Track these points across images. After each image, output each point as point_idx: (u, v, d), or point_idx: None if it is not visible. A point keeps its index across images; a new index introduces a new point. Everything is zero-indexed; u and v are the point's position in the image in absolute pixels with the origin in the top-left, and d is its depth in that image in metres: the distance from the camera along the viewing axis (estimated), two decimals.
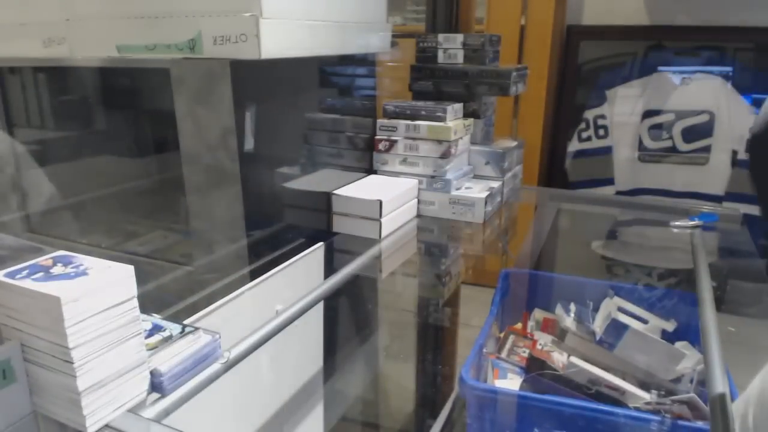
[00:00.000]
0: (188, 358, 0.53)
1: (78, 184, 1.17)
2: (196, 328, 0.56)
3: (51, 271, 0.47)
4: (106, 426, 0.48)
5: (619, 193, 2.28)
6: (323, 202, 1.01)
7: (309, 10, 0.81)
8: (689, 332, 1.04)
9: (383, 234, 0.97)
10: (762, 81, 2.08)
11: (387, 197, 0.97)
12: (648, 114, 2.21)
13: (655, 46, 2.20)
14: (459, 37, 1.12)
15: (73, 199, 1.19)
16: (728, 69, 2.10)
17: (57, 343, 0.44)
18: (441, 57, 1.14)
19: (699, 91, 2.12)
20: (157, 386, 0.51)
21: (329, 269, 0.90)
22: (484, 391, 0.87)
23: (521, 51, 2.28)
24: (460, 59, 1.13)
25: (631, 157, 2.25)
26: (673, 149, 2.19)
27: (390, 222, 0.99)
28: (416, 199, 1.08)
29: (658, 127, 2.20)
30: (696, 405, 0.83)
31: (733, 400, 0.77)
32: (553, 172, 2.42)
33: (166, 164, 1.04)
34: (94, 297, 0.45)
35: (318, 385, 1.05)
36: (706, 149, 2.15)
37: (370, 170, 1.11)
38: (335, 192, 1.00)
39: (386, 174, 1.10)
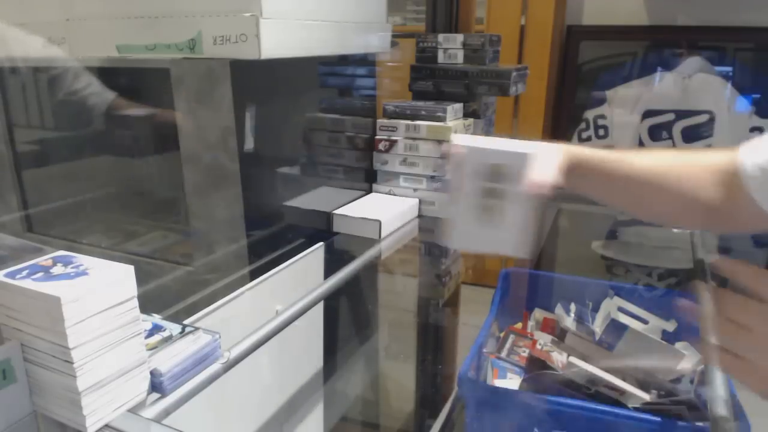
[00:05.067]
0: (188, 358, 0.53)
1: (78, 184, 1.17)
2: (196, 328, 0.56)
3: (51, 271, 0.47)
4: (106, 426, 0.48)
5: None
6: (323, 209, 1.01)
7: (309, 10, 0.81)
8: (689, 332, 1.04)
9: (383, 234, 0.97)
10: (762, 81, 2.08)
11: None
12: (648, 114, 2.21)
13: (655, 46, 2.20)
14: (459, 37, 1.12)
15: (74, 199, 1.19)
16: (728, 69, 2.10)
17: (57, 343, 0.44)
18: (441, 57, 1.14)
19: (699, 91, 2.12)
20: (157, 386, 0.51)
21: (329, 269, 0.90)
22: (483, 391, 0.87)
23: (521, 51, 2.28)
24: (460, 59, 1.13)
25: None
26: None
27: (390, 222, 0.99)
28: (417, 199, 1.08)
29: (658, 127, 2.20)
30: (695, 406, 0.82)
31: (733, 400, 0.77)
32: None
33: (166, 164, 1.04)
34: (94, 297, 0.45)
35: (318, 385, 1.05)
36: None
37: (370, 170, 1.12)
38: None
39: (386, 174, 1.10)
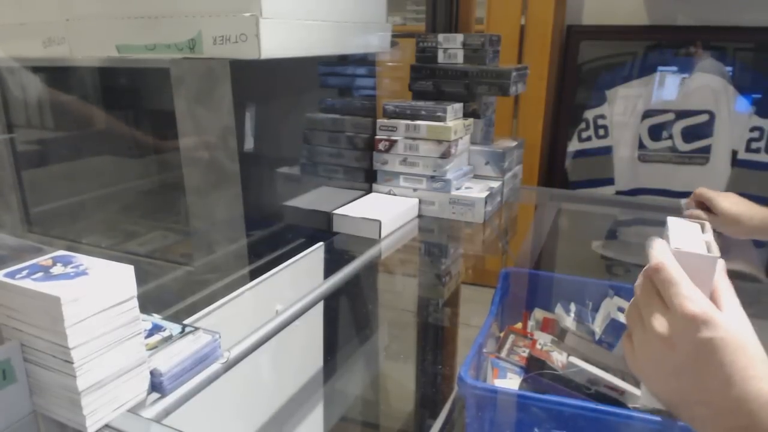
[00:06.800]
0: (188, 358, 0.53)
1: (78, 184, 1.17)
2: (196, 328, 0.56)
3: (51, 271, 0.47)
4: (106, 426, 0.48)
5: (619, 193, 2.28)
6: (323, 209, 1.01)
7: (309, 10, 0.81)
8: None
9: (383, 234, 0.97)
10: (762, 81, 2.08)
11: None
12: (648, 114, 2.21)
13: (655, 46, 2.20)
14: (459, 37, 1.12)
15: (74, 199, 1.19)
16: (728, 69, 2.10)
17: (57, 343, 0.44)
18: (441, 57, 1.14)
19: (699, 91, 2.12)
20: (157, 386, 0.51)
21: (329, 269, 0.90)
22: (483, 391, 0.87)
23: (521, 51, 2.28)
24: (460, 59, 1.13)
25: (631, 157, 2.25)
26: (673, 149, 2.20)
27: (390, 222, 0.99)
28: (416, 199, 1.08)
29: (658, 127, 2.20)
30: None
31: None
32: (553, 172, 2.42)
33: (166, 164, 1.04)
34: (94, 297, 0.45)
35: (318, 385, 1.05)
36: (706, 149, 2.15)
37: (370, 170, 1.12)
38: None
39: (386, 174, 1.10)
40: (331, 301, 1.11)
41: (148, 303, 0.53)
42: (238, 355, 0.59)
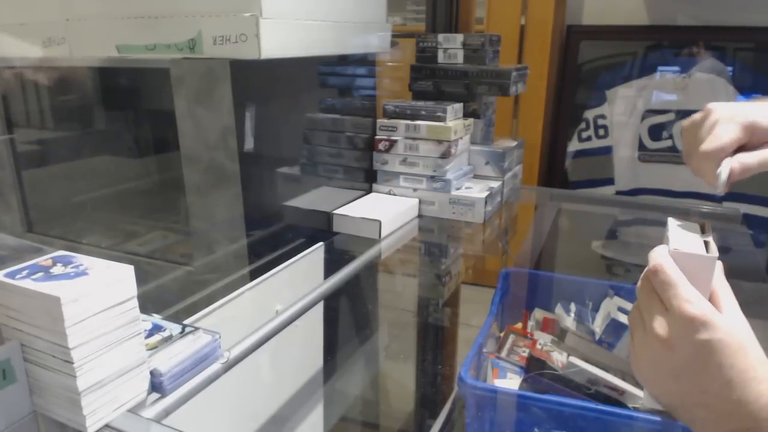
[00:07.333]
0: (188, 358, 0.53)
1: (78, 184, 1.17)
2: (196, 328, 0.56)
3: (51, 271, 0.47)
4: (106, 426, 0.48)
5: (619, 193, 2.28)
6: (324, 209, 1.01)
7: (309, 10, 0.81)
8: None
9: (383, 234, 0.97)
10: (762, 81, 2.08)
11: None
12: (648, 114, 2.21)
13: (655, 46, 2.20)
14: (459, 37, 1.12)
15: (74, 199, 1.19)
16: (728, 69, 2.10)
17: (57, 343, 0.44)
18: (441, 57, 1.14)
19: (699, 91, 2.12)
20: (157, 386, 0.51)
21: (329, 269, 0.90)
22: (483, 391, 0.87)
23: (521, 51, 2.28)
24: (460, 59, 1.13)
25: (631, 157, 2.25)
26: (673, 149, 2.20)
27: (390, 222, 0.99)
28: (416, 199, 1.08)
29: (658, 127, 2.20)
30: None
31: None
32: (553, 172, 2.42)
33: (166, 164, 1.04)
34: (94, 297, 0.45)
35: (318, 385, 1.05)
36: None
37: (370, 170, 1.12)
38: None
39: (386, 174, 1.10)
40: (331, 301, 1.11)
41: (148, 303, 0.53)
42: (238, 355, 0.59)
